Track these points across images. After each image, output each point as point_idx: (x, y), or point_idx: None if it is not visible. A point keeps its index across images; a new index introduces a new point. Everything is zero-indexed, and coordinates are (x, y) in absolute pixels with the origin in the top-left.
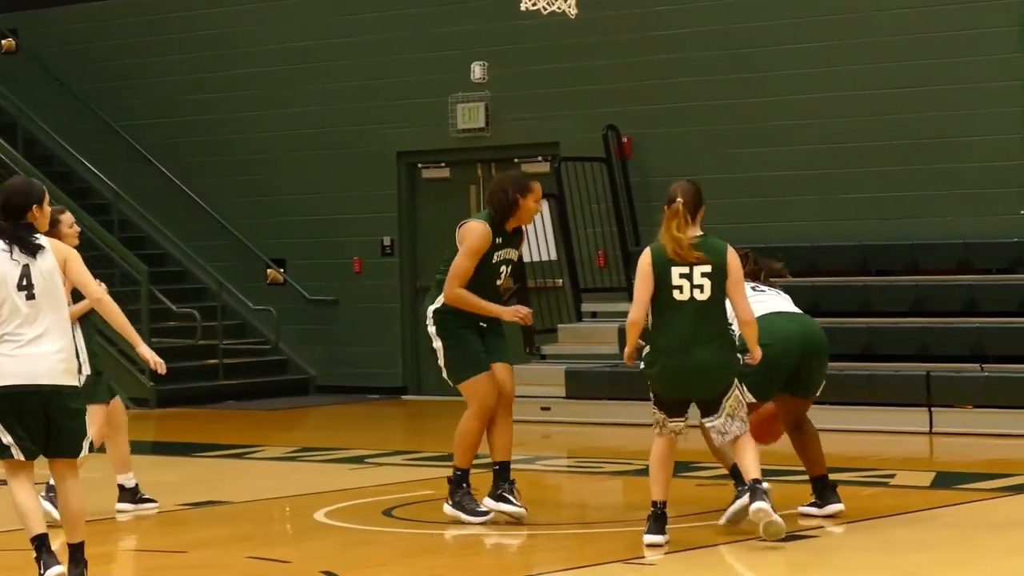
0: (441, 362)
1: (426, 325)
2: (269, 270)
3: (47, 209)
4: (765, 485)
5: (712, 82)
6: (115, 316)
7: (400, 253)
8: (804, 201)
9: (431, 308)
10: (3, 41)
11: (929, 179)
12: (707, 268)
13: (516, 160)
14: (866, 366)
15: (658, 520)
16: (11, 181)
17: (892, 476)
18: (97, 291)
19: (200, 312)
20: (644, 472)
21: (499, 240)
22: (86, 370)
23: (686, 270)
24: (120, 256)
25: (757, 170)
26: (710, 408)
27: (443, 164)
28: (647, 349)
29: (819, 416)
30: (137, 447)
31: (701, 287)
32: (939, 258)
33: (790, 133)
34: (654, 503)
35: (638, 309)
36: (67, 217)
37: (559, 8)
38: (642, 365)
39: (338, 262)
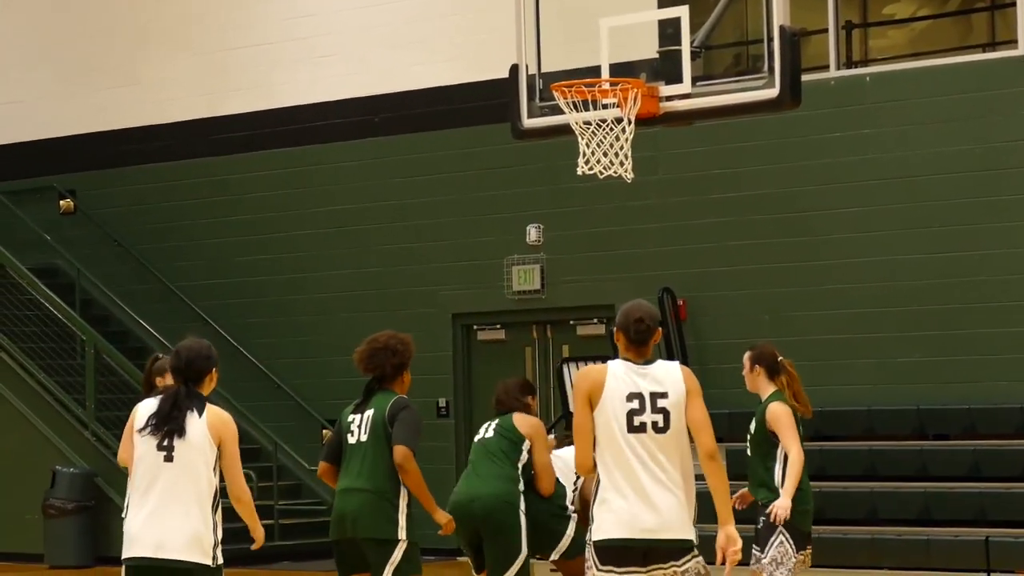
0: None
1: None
2: (325, 430)
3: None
4: None
5: (766, 245)
6: (247, 518)
7: (456, 415)
8: (860, 365)
9: None
10: (61, 202)
11: (986, 342)
12: None
13: (572, 322)
14: (924, 531)
15: None
16: (190, 343)
17: None
18: (241, 489)
19: (256, 472)
20: None
21: None
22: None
23: None
24: None
25: (812, 333)
26: None
27: (499, 326)
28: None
29: None
30: None
31: None
32: (997, 422)
33: (845, 296)
34: None
35: None
36: None
37: (615, 172)
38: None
39: None
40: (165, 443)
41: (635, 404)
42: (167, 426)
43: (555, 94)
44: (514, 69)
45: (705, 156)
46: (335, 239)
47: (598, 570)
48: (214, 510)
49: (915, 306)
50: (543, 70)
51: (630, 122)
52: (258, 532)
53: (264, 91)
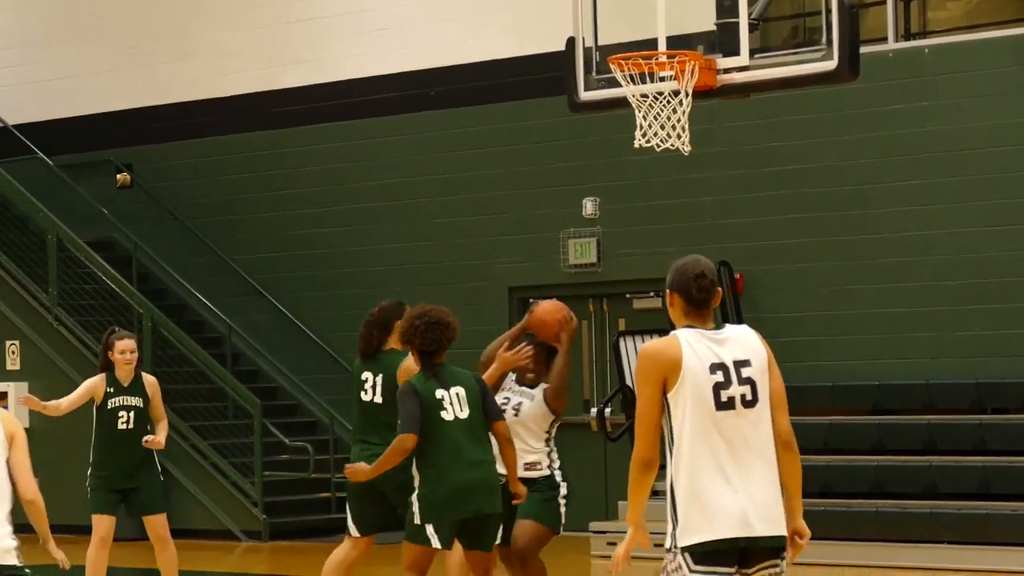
0: None
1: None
2: None
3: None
4: None
5: (825, 218)
6: (40, 521)
7: None
8: (918, 338)
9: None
10: (118, 176)
11: None
12: None
13: (628, 296)
14: (983, 505)
15: None
16: None
17: None
18: (32, 491)
19: (312, 445)
20: None
21: None
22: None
23: None
24: (233, 390)
25: (870, 307)
26: None
27: (554, 299)
28: None
29: (938, 555)
30: None
31: None
32: None
33: (904, 270)
34: None
35: None
36: (122, 344)
37: (672, 145)
38: None
39: None
40: None
41: (719, 376)
42: None
43: (612, 67)
44: (570, 42)
45: (762, 129)
46: (391, 213)
47: (690, 571)
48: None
49: (974, 279)
50: (600, 43)
51: (687, 95)
52: (49, 544)
53: (320, 64)
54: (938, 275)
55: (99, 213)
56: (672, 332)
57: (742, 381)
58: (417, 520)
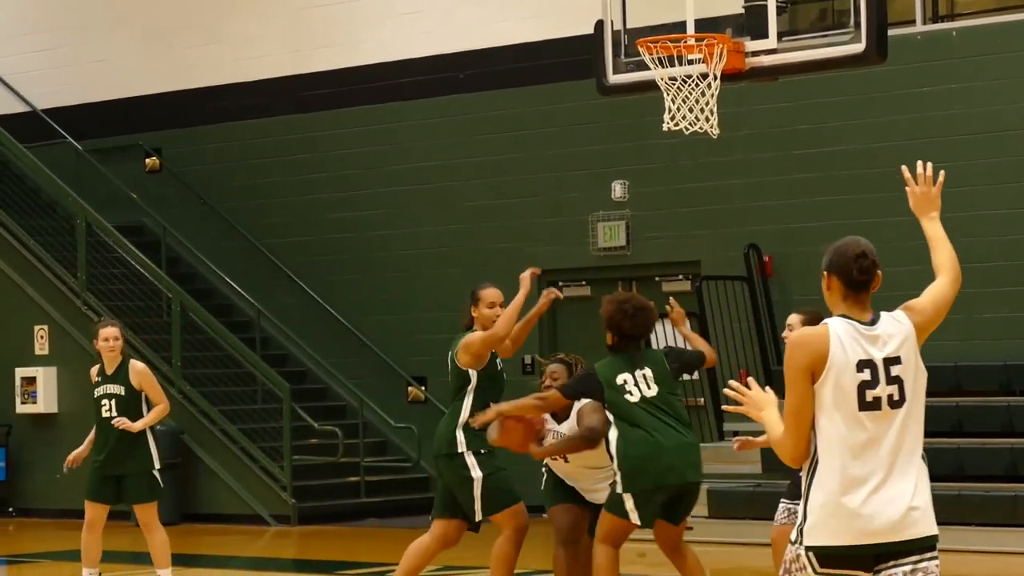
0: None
1: None
2: (410, 387)
3: None
4: None
5: (854, 201)
6: None
7: (541, 371)
8: (947, 321)
9: None
10: (147, 160)
11: None
12: None
13: (657, 278)
14: (1011, 487)
15: None
16: None
17: None
18: None
19: (342, 429)
20: None
21: None
22: None
23: None
24: (262, 374)
25: (898, 289)
26: None
27: (583, 282)
28: None
29: (966, 537)
30: (278, 564)
31: None
32: None
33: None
34: None
35: None
36: (104, 331)
37: (701, 128)
38: None
39: None
40: None
41: (866, 375)
42: None
43: (640, 50)
44: (599, 25)
45: (790, 111)
46: (420, 196)
47: (815, 573)
48: None
49: (1002, 261)
50: (628, 26)
51: (716, 78)
52: None
53: (349, 48)
54: (967, 257)
55: (128, 197)
56: (824, 321)
57: (890, 380)
58: (619, 489)
